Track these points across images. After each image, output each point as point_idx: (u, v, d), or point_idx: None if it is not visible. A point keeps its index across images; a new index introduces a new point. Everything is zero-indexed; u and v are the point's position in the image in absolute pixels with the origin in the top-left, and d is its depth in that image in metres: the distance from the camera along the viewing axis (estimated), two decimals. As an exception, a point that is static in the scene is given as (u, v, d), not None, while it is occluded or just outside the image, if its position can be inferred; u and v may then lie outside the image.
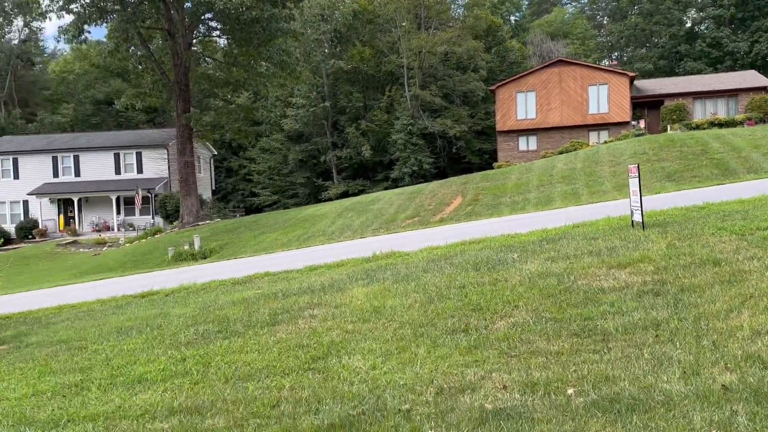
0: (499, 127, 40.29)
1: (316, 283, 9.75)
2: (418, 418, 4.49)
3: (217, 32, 37.08)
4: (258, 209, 49.69)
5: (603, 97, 38.49)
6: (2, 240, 36.65)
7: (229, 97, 39.28)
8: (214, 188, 49.79)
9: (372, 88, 52.90)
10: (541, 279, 7.63)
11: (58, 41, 61.61)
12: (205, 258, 23.34)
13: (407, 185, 38.07)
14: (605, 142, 32.98)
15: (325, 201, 42.43)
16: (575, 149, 31.83)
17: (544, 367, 5.15)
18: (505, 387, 4.92)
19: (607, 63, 63.39)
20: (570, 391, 4.64)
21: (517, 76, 41.48)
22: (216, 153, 50.24)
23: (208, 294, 10.74)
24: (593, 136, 38.20)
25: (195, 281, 12.35)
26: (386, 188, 41.42)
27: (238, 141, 51.41)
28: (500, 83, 41.44)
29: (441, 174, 44.87)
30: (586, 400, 4.43)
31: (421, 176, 44.40)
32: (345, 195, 44.16)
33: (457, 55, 48.26)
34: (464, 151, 48.62)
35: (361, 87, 52.10)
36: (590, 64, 44.15)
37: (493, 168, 35.38)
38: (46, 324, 10.26)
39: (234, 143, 53.44)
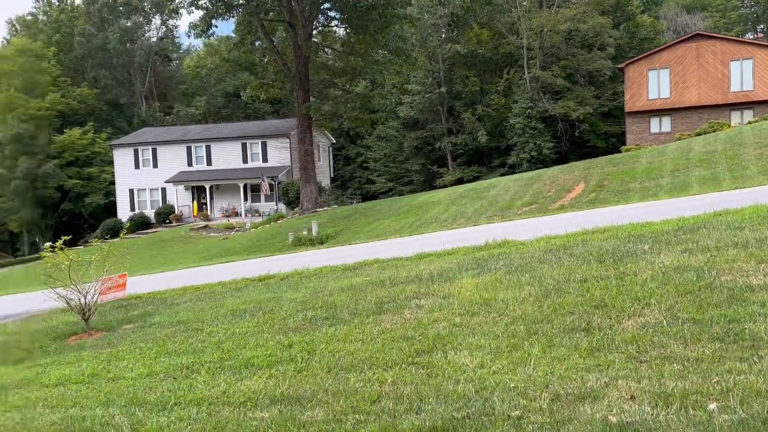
0: (628, 107, 37.61)
1: (424, 271, 9.43)
2: (530, 427, 4.03)
3: (336, 22, 37.74)
4: (374, 196, 50.32)
5: (747, 73, 34.69)
6: (121, 227, 39.74)
7: (347, 86, 39.89)
8: (332, 176, 51.07)
9: (489, 72, 51.52)
10: (676, 274, 6.76)
11: (188, 36, 65.58)
12: (322, 243, 23.86)
13: (525, 171, 36.70)
14: (750, 123, 29.65)
15: (439, 188, 42.05)
16: (714, 131, 28.89)
17: (680, 376, 4.46)
18: (632, 397, 4.31)
19: (751, 36, 57.19)
20: (712, 406, 3.95)
21: (649, 52, 38.42)
22: (334, 141, 51.45)
23: (320, 279, 10.78)
24: (735, 117, 34.55)
25: (308, 266, 12.49)
26: (502, 174, 40.24)
27: (355, 129, 52.31)
28: (630, 61, 38.61)
29: (562, 159, 42.78)
30: (731, 419, 3.74)
31: (540, 162, 42.61)
32: (460, 182, 43.47)
33: (581, 33, 45.61)
34: (588, 134, 46.01)
35: (478, 71, 50.90)
36: (732, 38, 39.94)
37: (620, 152, 33.09)
38: (170, 305, 10.79)
39: (351, 131, 54.45)
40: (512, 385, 4.73)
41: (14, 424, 5.26)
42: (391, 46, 34.12)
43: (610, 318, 5.88)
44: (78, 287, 9.29)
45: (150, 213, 44.10)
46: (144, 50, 59.56)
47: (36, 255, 49.40)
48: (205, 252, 27.48)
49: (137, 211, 44.66)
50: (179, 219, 42.34)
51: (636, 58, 38.45)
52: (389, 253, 12.59)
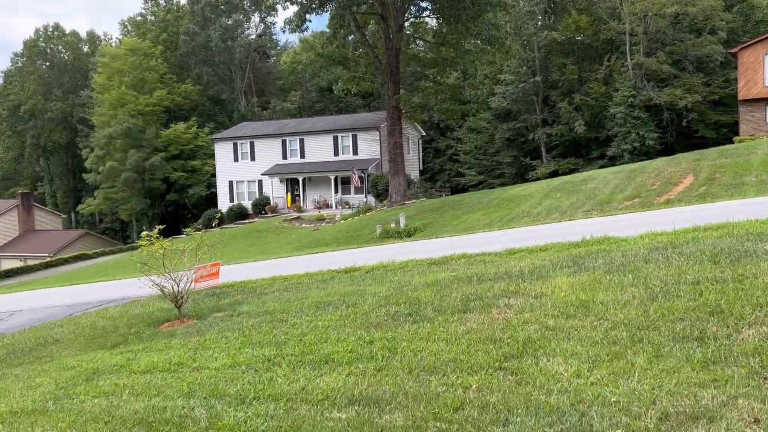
0: (741, 95, 34.59)
1: (514, 268, 8.91)
2: (634, 450, 3.54)
3: (427, 12, 37.25)
4: (463, 189, 49.52)
5: None
6: (221, 218, 41.15)
7: (439, 78, 39.32)
8: (421, 168, 50.76)
9: (588, 59, 49.15)
10: (808, 278, 5.91)
11: (283, 32, 67.12)
12: (409, 236, 23.63)
13: (626, 163, 34.65)
14: None
15: (532, 181, 40.65)
16: None
17: (817, 399, 3.81)
18: (756, 420, 3.73)
19: None
20: None
21: (766, 35, 35.12)
22: (424, 134, 51.08)
23: (404, 273, 10.51)
24: None
25: (394, 259, 12.27)
26: (601, 167, 38.25)
27: (445, 121, 51.66)
28: (744, 45, 35.45)
29: (667, 150, 40.06)
30: None
31: (643, 153, 40.12)
32: (554, 174, 41.81)
33: (690, 16, 42.43)
34: (697, 124, 42.80)
35: (576, 58, 48.70)
36: None
37: (733, 142, 30.48)
38: (259, 294, 10.91)
39: (442, 124, 53.84)
40: (613, 399, 4.23)
41: (100, 410, 5.36)
42: (483, 35, 33.24)
43: (728, 326, 5.19)
44: (171, 275, 9.55)
45: (247, 204, 45.75)
46: (243, 47, 61.76)
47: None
48: (297, 242, 28.04)
49: (236, 202, 46.48)
50: (274, 210, 43.61)
51: (751, 42, 35.24)
52: (477, 248, 12.11)
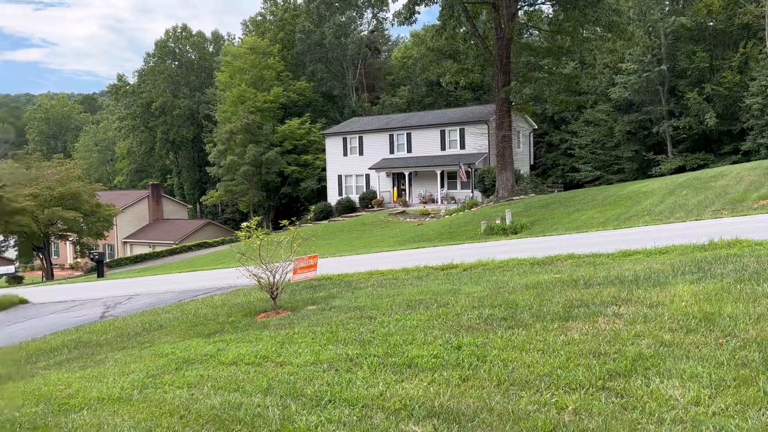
0: None
1: (627, 272, 8.03)
2: None
3: None
4: (578, 185, 47.12)
5: None
6: (323, 211, 41.78)
7: (554, 68, 37.53)
8: (532, 163, 48.92)
9: (720, 46, 44.96)
10: None
11: (392, 25, 67.31)
12: (515, 233, 22.69)
13: (763, 159, 31.24)
14: None
15: (655, 177, 37.82)
16: None
17: None
18: None
19: None
20: None
21: None
22: (536, 127, 49.17)
23: (504, 273, 9.89)
24: None
25: (494, 258, 11.65)
26: (734, 162, 34.82)
27: (560, 113, 49.44)
28: None
29: (814, 145, 35.76)
30: None
31: (784, 148, 36.14)
32: (681, 170, 38.65)
33: None
34: None
35: (707, 45, 44.67)
36: None
37: None
38: (353, 289, 10.73)
39: (556, 116, 51.60)
40: (741, 437, 3.50)
41: (179, 403, 5.31)
42: (603, 22, 31.24)
43: None
44: (267, 266, 9.58)
45: (355, 198, 46.43)
46: (355, 44, 62.70)
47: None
48: (400, 236, 27.89)
49: (344, 195, 47.33)
50: (380, 204, 43.89)
51: None
52: (587, 248, 11.19)
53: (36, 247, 42.37)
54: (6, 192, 38.44)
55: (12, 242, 42.51)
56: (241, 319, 9.46)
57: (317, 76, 62.43)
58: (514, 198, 33.16)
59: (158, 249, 52.69)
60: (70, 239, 44.37)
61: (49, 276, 41.72)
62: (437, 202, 41.24)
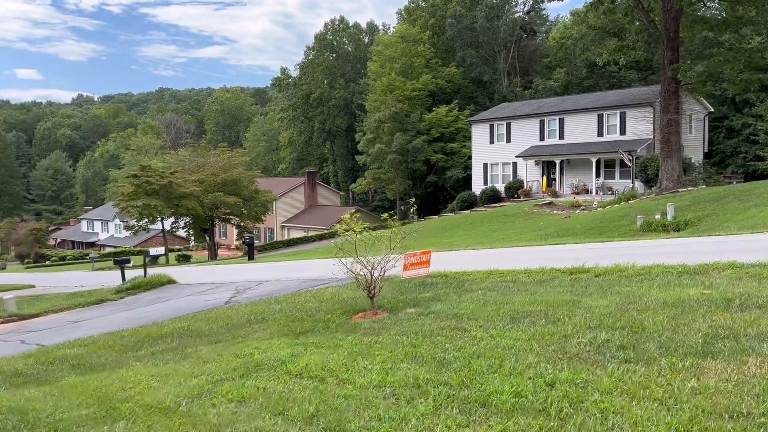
0: None
1: (805, 295, 6.12)
2: None
3: (721, -37, 31.08)
4: (761, 176, 40.92)
5: None
6: (467, 200, 40.33)
7: (735, 43, 32.59)
8: (706, 150, 43.37)
9: None
10: None
11: (541, 1, 63.58)
12: (677, 230, 19.88)
13: None
14: None
15: None
16: None
17: None
18: None
19: None
20: None
21: None
22: (712, 110, 43.48)
23: (641, 283, 8.22)
24: None
25: (635, 262, 9.88)
26: None
27: (741, 95, 43.29)
28: None
29: None
30: None
31: None
32: None
33: None
34: None
35: None
36: None
37: None
38: (462, 291, 9.67)
39: (737, 98, 45.27)
40: None
41: (218, 422, 4.73)
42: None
43: None
44: (365, 262, 8.86)
45: (500, 187, 44.63)
46: (508, 26, 60.21)
47: (404, 221, 55.49)
48: (543, 230, 25.94)
49: (489, 184, 45.70)
50: (527, 194, 41.68)
51: None
52: (757, 254, 9.05)
53: (203, 229, 46.08)
54: (176, 178, 42.17)
55: (182, 224, 46.61)
56: (339, 317, 8.86)
57: (467, 62, 60.94)
58: (680, 190, 29.45)
59: (312, 233, 55.04)
60: (233, 222, 47.67)
61: (213, 256, 45.24)
62: (591, 192, 38.16)
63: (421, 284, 10.90)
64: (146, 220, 42.60)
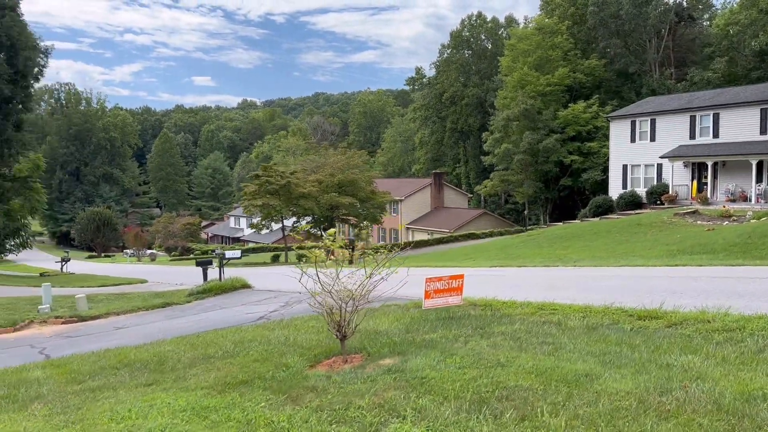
0: None
1: None
2: None
3: None
4: None
5: None
6: (601, 206, 35.89)
7: None
8: None
9: None
10: None
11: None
12: None
13: None
14: None
15: None
16: None
17: None
18: None
19: None
20: None
21: None
22: None
23: (715, 351, 5.37)
24: None
25: (744, 307, 6.84)
26: None
27: None
28: None
29: None
30: None
31: None
32: None
33: None
34: None
35: None
36: None
37: None
38: (481, 335, 7.30)
39: None
40: None
41: None
42: None
43: None
44: (333, 292, 6.87)
45: (641, 191, 39.54)
46: (660, 12, 53.74)
47: (532, 226, 51.59)
48: (676, 245, 21.76)
49: (628, 188, 40.74)
50: (672, 200, 36.35)
51: None
52: None
53: (322, 229, 46.19)
54: (296, 178, 42.56)
55: (303, 223, 47.10)
56: (301, 361, 6.98)
57: (610, 53, 55.39)
58: None
59: (436, 236, 53.27)
60: (351, 223, 47.31)
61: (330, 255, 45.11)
62: (750, 200, 32.24)
63: (443, 317, 8.66)
64: (267, 219, 43.51)
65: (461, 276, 9.21)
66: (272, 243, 67.79)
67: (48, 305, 16.75)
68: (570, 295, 10.16)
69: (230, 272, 29.35)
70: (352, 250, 31.24)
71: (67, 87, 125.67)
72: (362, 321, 9.19)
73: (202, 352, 8.38)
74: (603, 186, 48.04)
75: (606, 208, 40.74)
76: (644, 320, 7.20)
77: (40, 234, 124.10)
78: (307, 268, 6.90)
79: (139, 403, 5.74)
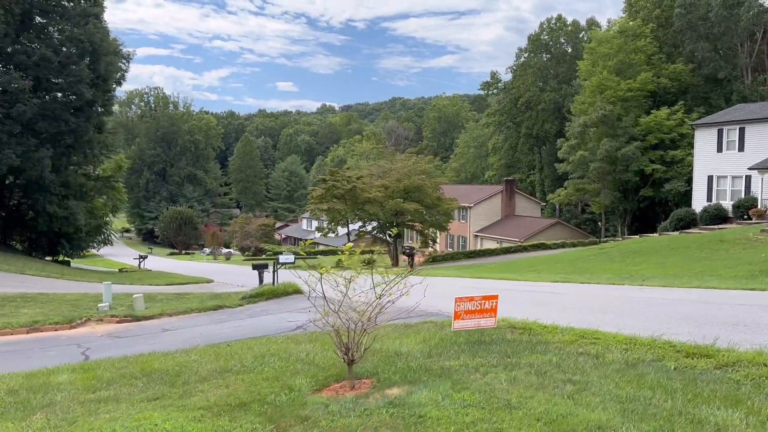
0: None
1: None
2: None
3: None
4: None
5: None
6: (683, 219, 33.44)
7: None
8: None
9: None
10: None
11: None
12: None
13: None
14: None
15: None
16: None
17: None
18: None
19: None
20: None
21: None
22: None
23: (763, 403, 4.55)
24: None
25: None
26: None
27: None
28: None
29: None
30: None
31: None
32: None
33: None
34: None
35: None
36: None
37: None
38: (505, 365, 6.68)
39: None
40: None
41: None
42: None
43: None
44: (338, 310, 6.46)
45: (727, 205, 36.83)
46: (754, 13, 50.08)
47: (607, 238, 49.14)
48: (758, 265, 19.85)
49: (713, 201, 38.04)
50: (761, 215, 33.58)
51: None
52: None
53: (387, 234, 45.95)
54: (362, 183, 42.56)
55: (369, 228, 47.03)
56: (307, 383, 6.61)
57: (697, 57, 52.09)
58: None
59: (505, 245, 51.94)
60: (416, 229, 46.81)
61: (395, 263, 44.84)
62: None
63: (474, 341, 8.07)
64: (333, 223, 43.74)
65: (495, 297, 8.56)
66: (341, 246, 68.34)
67: (107, 304, 17.28)
68: (622, 323, 9.31)
69: (291, 276, 29.53)
70: (412, 258, 30.79)
71: (156, 91, 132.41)
72: (388, 340, 8.77)
73: (222, 365, 8.19)
74: (687, 197, 45.16)
75: (688, 222, 38.22)
76: (692, 358, 6.35)
77: (128, 230, 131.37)
78: (315, 285, 6.53)
79: (128, 422, 5.55)
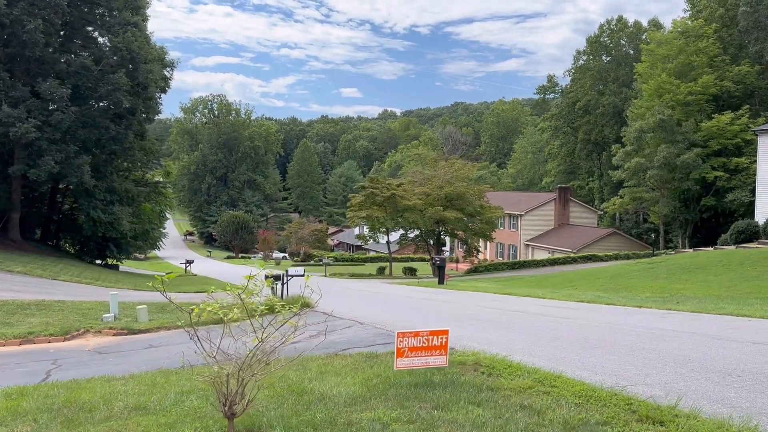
0: None
1: None
2: None
3: None
4: None
5: None
6: (744, 232, 30.91)
7: None
8: None
9: None
10: None
11: None
12: None
13: None
14: None
15: None
16: None
17: None
18: None
19: None
20: None
21: None
22: None
23: None
24: None
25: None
26: None
27: None
28: None
29: None
30: None
31: None
32: None
33: None
34: None
35: None
36: None
37: None
38: (432, 422, 5.74)
39: None
40: None
41: None
42: None
43: None
44: (216, 354, 5.68)
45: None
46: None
47: (665, 250, 46.20)
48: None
49: (779, 213, 35.08)
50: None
51: None
52: None
53: (432, 242, 44.93)
54: (402, 190, 41.76)
55: (412, 236, 46.13)
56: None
57: (765, 58, 48.40)
58: None
59: (556, 254, 49.93)
60: (459, 237, 45.56)
61: (435, 271, 43.74)
62: None
63: (414, 384, 7.12)
64: (373, 230, 43.12)
65: (445, 332, 7.56)
66: (393, 253, 67.50)
67: (113, 314, 17.19)
68: (600, 363, 8.15)
69: (326, 283, 29.11)
70: (442, 270, 29.47)
71: (219, 98, 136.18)
72: (328, 377, 7.97)
73: (144, 400, 7.57)
74: (751, 208, 41.92)
75: (750, 235, 35.30)
76: (643, 423, 5.22)
77: (191, 234, 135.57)
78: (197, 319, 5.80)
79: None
